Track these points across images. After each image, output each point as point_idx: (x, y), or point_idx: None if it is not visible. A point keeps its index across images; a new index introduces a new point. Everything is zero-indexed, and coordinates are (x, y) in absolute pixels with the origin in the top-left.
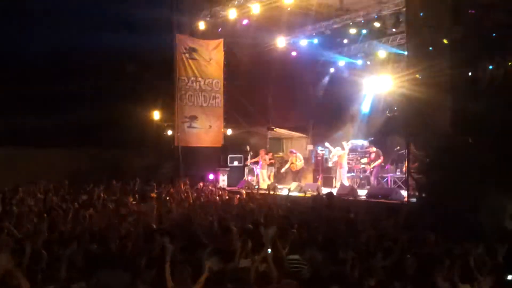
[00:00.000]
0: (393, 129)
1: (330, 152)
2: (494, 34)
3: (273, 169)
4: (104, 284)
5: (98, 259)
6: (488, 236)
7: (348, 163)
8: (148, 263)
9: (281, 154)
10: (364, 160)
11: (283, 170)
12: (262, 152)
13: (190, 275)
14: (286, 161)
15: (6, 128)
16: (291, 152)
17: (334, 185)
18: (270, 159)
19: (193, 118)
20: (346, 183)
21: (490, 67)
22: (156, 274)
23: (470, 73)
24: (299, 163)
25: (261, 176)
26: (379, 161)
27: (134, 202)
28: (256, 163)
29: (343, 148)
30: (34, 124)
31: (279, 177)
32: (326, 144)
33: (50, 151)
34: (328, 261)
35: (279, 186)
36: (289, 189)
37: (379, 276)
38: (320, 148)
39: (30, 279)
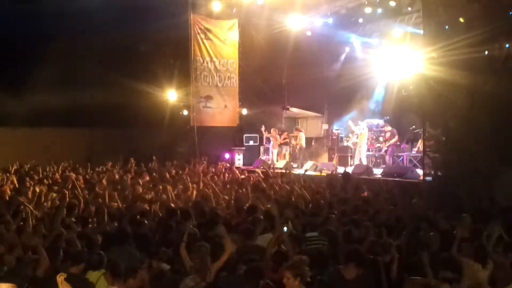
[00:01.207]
0: (409, 108)
1: (351, 131)
2: (510, 13)
3: (288, 148)
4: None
5: (116, 237)
6: (503, 215)
7: None
8: (165, 241)
9: (296, 133)
10: (380, 139)
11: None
12: (274, 131)
13: (208, 253)
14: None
15: (23, 109)
16: (296, 129)
17: (349, 164)
18: (284, 139)
19: (209, 98)
20: (365, 162)
21: (507, 45)
22: (174, 253)
23: (486, 52)
24: (299, 142)
25: (271, 155)
26: (394, 140)
27: (151, 181)
28: (268, 140)
29: (363, 128)
30: (50, 105)
31: (294, 156)
32: (349, 122)
33: (67, 131)
34: (344, 239)
35: (294, 165)
36: (305, 170)
37: (393, 253)
38: (335, 127)
39: (50, 258)
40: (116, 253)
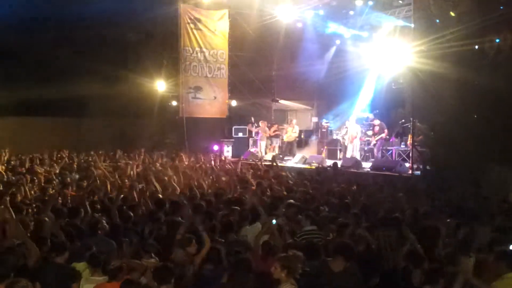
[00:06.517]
0: (398, 102)
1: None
2: (501, 7)
3: (278, 141)
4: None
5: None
6: (491, 210)
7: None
8: (153, 232)
9: (285, 125)
10: (369, 133)
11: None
12: (262, 123)
13: (195, 245)
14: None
15: (11, 99)
16: (291, 121)
17: (338, 157)
18: (275, 131)
19: (198, 89)
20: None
21: (497, 40)
22: (162, 244)
23: (476, 46)
24: (293, 134)
25: (259, 148)
26: (383, 134)
27: (139, 172)
28: (256, 134)
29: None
30: (38, 95)
31: (283, 148)
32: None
33: (55, 121)
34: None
35: (284, 158)
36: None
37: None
38: (325, 120)
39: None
40: (89, 241)
